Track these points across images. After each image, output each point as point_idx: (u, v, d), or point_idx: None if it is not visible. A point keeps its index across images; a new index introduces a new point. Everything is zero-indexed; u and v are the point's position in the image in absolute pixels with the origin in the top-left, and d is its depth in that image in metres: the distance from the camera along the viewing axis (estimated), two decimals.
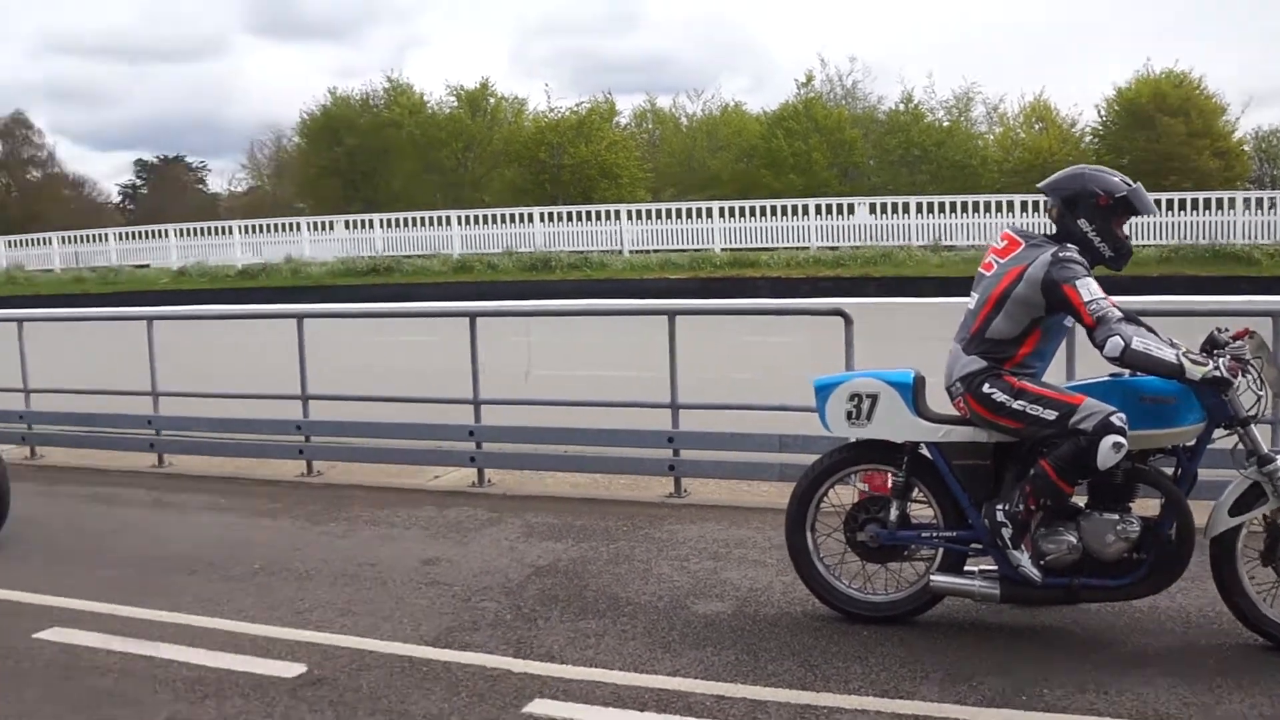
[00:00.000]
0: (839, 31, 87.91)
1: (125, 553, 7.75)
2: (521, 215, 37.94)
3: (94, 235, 47.14)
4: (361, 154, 58.14)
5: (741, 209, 35.85)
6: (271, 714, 4.93)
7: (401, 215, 40.31)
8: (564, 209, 38.35)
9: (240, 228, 42.70)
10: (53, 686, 5.33)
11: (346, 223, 41.10)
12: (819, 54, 71.17)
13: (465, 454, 9.44)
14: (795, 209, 35.46)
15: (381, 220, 40.06)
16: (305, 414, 10.19)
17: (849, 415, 5.73)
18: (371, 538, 7.86)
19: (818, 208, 35.22)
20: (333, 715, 4.91)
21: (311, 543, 7.78)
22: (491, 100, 58.06)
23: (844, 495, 5.94)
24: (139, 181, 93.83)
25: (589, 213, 37.47)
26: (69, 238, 47.16)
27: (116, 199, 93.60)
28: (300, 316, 10.33)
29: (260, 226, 42.59)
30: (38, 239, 48.60)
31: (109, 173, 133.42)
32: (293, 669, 5.39)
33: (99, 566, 7.42)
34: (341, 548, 7.61)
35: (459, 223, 38.33)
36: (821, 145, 44.00)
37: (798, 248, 34.29)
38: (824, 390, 5.81)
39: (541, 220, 37.44)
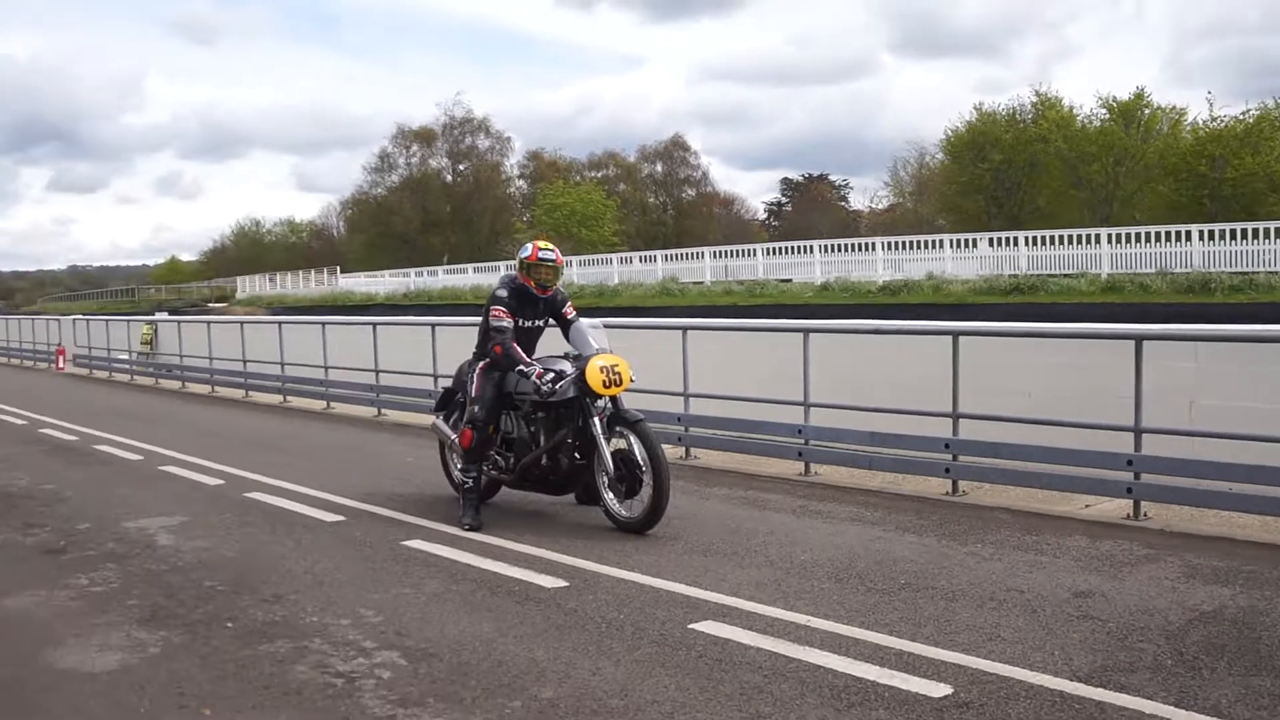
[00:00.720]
0: None
1: (773, 555, 8.09)
2: (1177, 233, 35.77)
3: (742, 250, 49.98)
4: (1006, 170, 57.72)
5: None
6: None
7: (1047, 233, 39.41)
8: (1226, 226, 35.78)
9: (882, 244, 43.54)
10: (706, 676, 5.62)
11: (990, 240, 40.76)
12: None
13: (1121, 484, 9.01)
14: None
15: (1026, 238, 39.35)
16: (954, 432, 10.17)
17: None
18: (1019, 563, 7.70)
19: None
20: None
21: (957, 563, 7.74)
22: (1145, 111, 55.65)
23: None
24: (783, 199, 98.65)
25: (1256, 230, 34.67)
26: (719, 252, 50.30)
27: (762, 216, 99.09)
28: (955, 334, 10.35)
29: (902, 243, 43.24)
30: (691, 253, 52.27)
31: (755, 190, 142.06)
32: (939, 689, 5.36)
33: (748, 566, 7.79)
34: (988, 570, 7.52)
35: (1108, 241, 36.86)
36: None
37: None
38: None
39: (1200, 238, 35.03)
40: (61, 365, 32.53)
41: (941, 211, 67.20)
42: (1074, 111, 57.93)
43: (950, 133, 62.77)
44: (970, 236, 42.31)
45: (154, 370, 27.99)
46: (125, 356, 29.86)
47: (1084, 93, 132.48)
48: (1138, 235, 36.76)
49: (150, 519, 9.90)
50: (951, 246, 41.30)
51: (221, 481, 11.75)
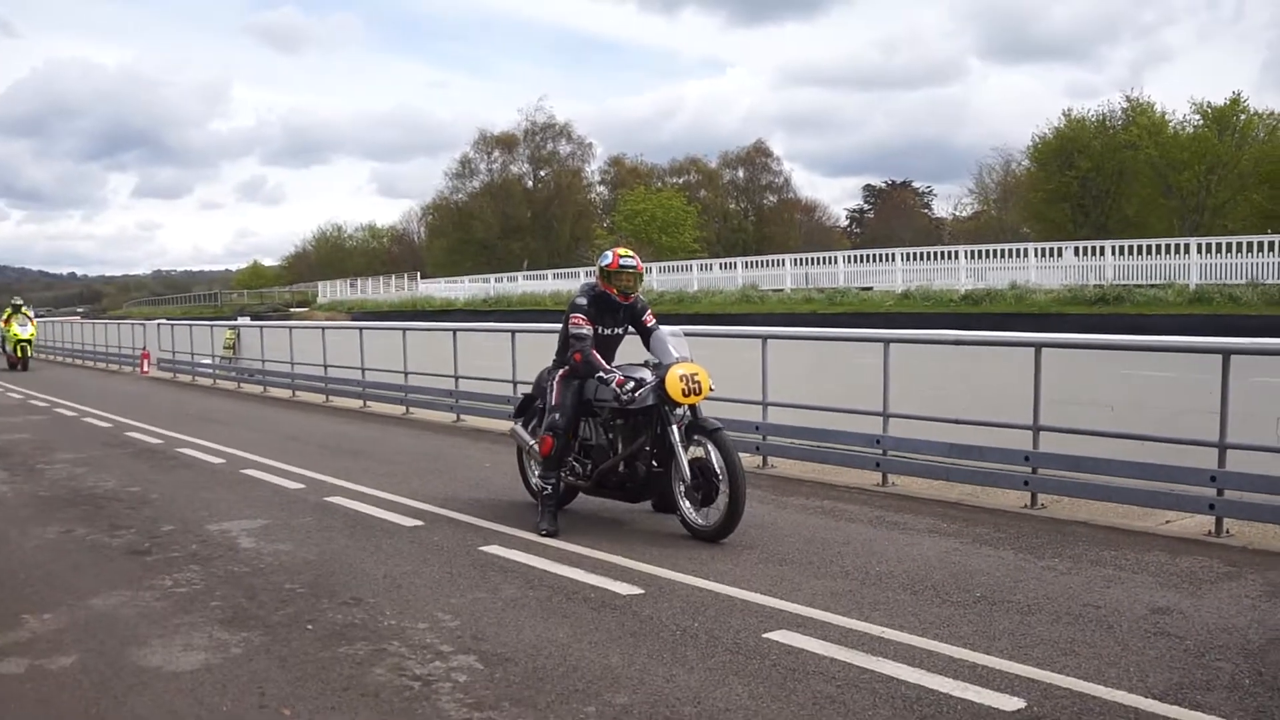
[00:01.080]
0: None
1: (848, 565, 8.11)
2: (1270, 244, 35.10)
3: (823, 258, 49.90)
4: (1094, 178, 57.05)
5: None
6: None
7: (1134, 242, 38.91)
8: None
9: (965, 253, 43.25)
10: (779, 685, 5.68)
11: (1076, 249, 40.33)
12: None
13: (1203, 500, 8.92)
14: None
15: (1113, 247, 38.88)
16: (1035, 445, 10.12)
17: None
18: (1096, 578, 7.67)
19: None
20: None
21: (1033, 577, 7.73)
22: (1241, 117, 54.73)
23: None
24: (866, 206, 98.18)
25: None
26: (800, 259, 50.20)
27: (844, 223, 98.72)
28: (1038, 346, 10.31)
29: (985, 252, 42.89)
30: (771, 260, 52.24)
31: (838, 197, 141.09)
32: (1011, 703, 5.37)
33: (823, 576, 7.83)
34: (1064, 585, 7.50)
35: (1197, 250, 36.30)
36: None
37: None
38: None
39: None
40: (146, 369, 33.14)
41: (1026, 220, 66.58)
42: (1166, 118, 57.20)
43: (1037, 139, 62.28)
44: (1055, 245, 41.87)
45: (236, 374, 28.46)
46: (208, 361, 30.42)
47: (1177, 98, 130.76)
48: (1228, 245, 36.17)
49: (232, 522, 10.13)
50: (1036, 255, 40.90)
51: (302, 485, 11.98)
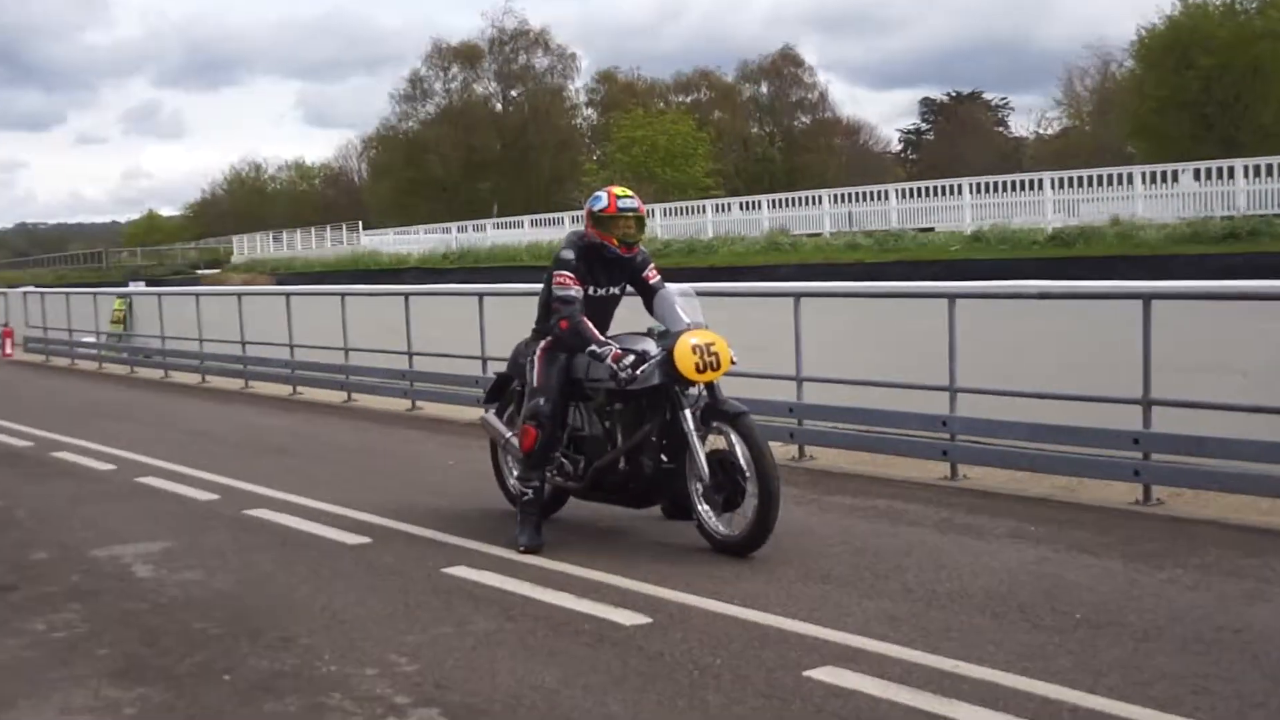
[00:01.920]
0: None
1: (910, 582, 8.11)
2: None
3: (871, 193, 49.67)
4: (1220, 78, 56.61)
5: None
6: None
7: (1275, 160, 38.43)
8: None
9: (1052, 181, 42.97)
10: None
11: (1196, 172, 40.01)
12: None
13: None
14: None
15: (1246, 168, 38.50)
16: (1146, 424, 10.08)
17: None
18: (1235, 594, 7.64)
19: None
20: None
21: (1150, 593, 7.70)
22: None
23: None
24: (924, 125, 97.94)
25: None
26: (841, 196, 50.02)
27: (897, 147, 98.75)
28: (1146, 297, 10.25)
29: (1078, 180, 42.62)
30: (806, 198, 51.98)
31: (888, 115, 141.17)
32: None
33: (879, 596, 7.82)
34: (1191, 603, 7.47)
35: None
36: None
37: None
38: None
39: None
40: (9, 351, 33.15)
41: (1131, 136, 66.36)
42: None
43: (1144, 32, 61.95)
44: (1169, 168, 41.56)
45: (129, 356, 28.47)
46: (91, 339, 30.39)
47: None
48: None
49: (125, 545, 10.09)
50: (1144, 182, 40.67)
51: (215, 496, 11.97)
